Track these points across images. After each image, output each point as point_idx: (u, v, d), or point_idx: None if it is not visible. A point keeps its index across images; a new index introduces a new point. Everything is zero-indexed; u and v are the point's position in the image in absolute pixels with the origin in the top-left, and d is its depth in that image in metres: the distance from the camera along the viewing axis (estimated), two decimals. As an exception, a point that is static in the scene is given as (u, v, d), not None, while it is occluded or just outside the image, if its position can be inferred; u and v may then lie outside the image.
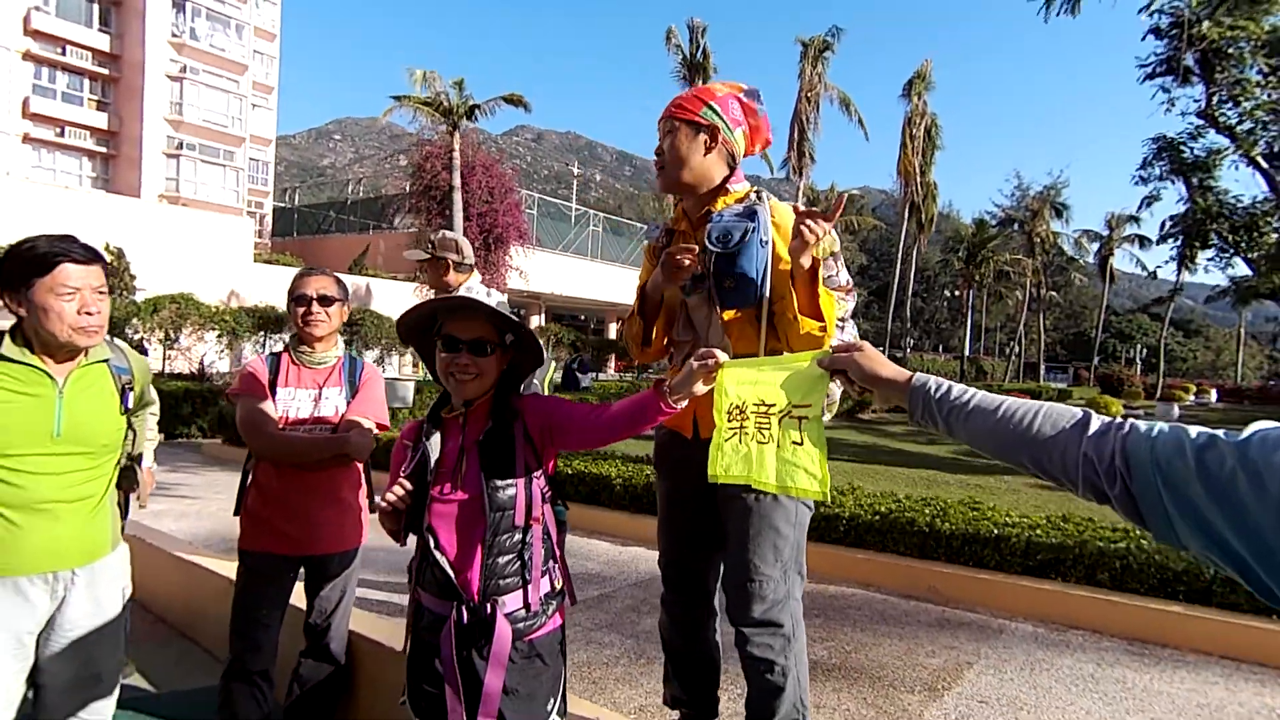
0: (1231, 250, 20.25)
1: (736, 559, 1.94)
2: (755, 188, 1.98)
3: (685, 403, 1.51)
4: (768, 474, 1.41)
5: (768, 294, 1.82)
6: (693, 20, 22.63)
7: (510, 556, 1.57)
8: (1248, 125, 15.40)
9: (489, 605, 1.54)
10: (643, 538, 4.92)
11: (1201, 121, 17.44)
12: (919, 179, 30.95)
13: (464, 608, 1.54)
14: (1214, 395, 33.66)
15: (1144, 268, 38.75)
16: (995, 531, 3.98)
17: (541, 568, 1.61)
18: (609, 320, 33.74)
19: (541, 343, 1.73)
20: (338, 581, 2.33)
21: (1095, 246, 42.87)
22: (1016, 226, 39.96)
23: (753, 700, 1.96)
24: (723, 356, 1.45)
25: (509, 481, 1.58)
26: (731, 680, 2.43)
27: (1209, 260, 23.26)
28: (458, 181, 18.90)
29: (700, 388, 1.47)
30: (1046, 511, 4.57)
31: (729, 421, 1.46)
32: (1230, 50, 15.45)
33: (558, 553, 1.69)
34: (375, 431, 2.34)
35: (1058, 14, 9.02)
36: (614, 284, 29.31)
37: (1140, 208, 26.56)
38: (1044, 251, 39.53)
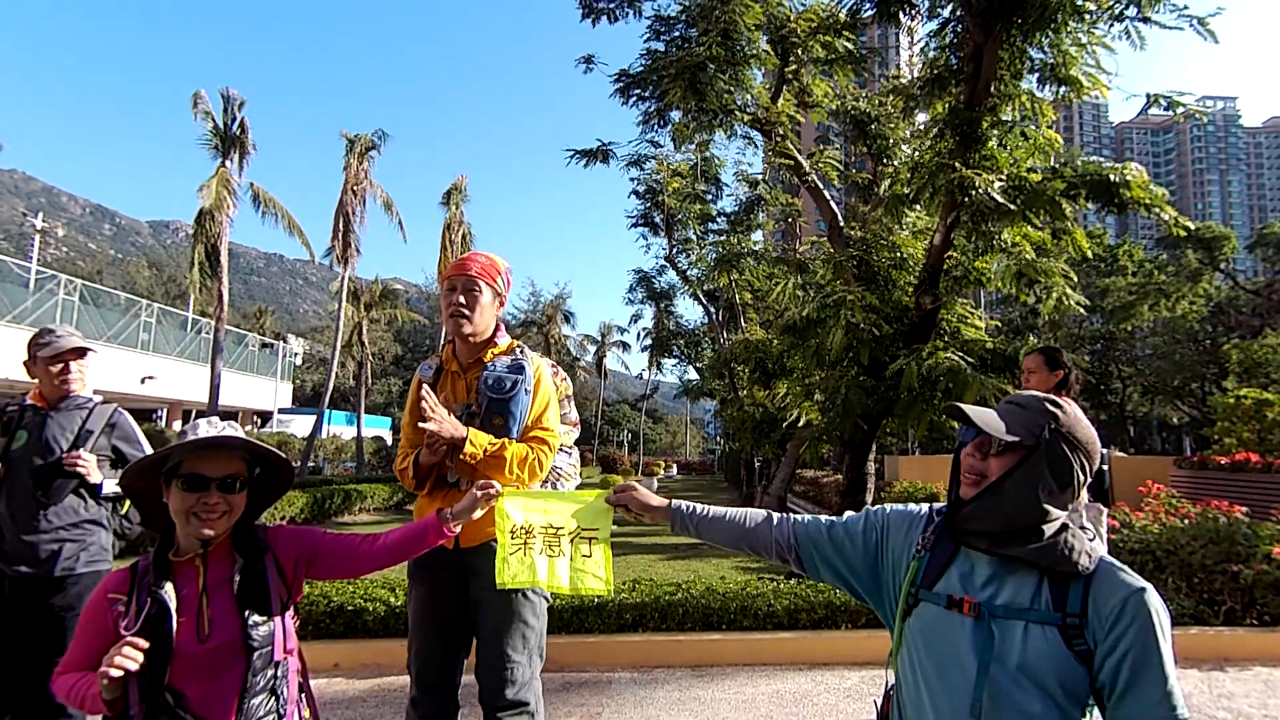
0: (686, 359, 27.32)
1: (491, 649, 2.29)
2: (518, 343, 2.50)
3: (460, 526, 1.84)
4: (559, 579, 1.87)
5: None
6: (229, 90, 20.77)
7: (264, 695, 1.57)
8: (695, 271, 21.17)
9: None
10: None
11: (666, 263, 23.33)
12: (457, 280, 33.36)
13: None
14: (675, 470, 43.62)
15: (628, 368, 48.52)
16: (595, 600, 4.86)
17: (296, 700, 1.65)
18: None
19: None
20: None
21: (593, 349, 51.85)
22: (535, 329, 45.87)
23: None
24: (499, 487, 1.87)
25: (265, 618, 1.58)
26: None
27: (672, 365, 30.81)
28: None
29: (478, 513, 1.85)
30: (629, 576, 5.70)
31: (512, 539, 1.89)
32: (680, 217, 21.29)
33: (306, 683, 1.73)
34: None
35: (580, 165, 11.46)
36: (104, 368, 23.49)
37: (630, 323, 33.29)
38: (557, 351, 46.09)
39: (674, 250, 22.29)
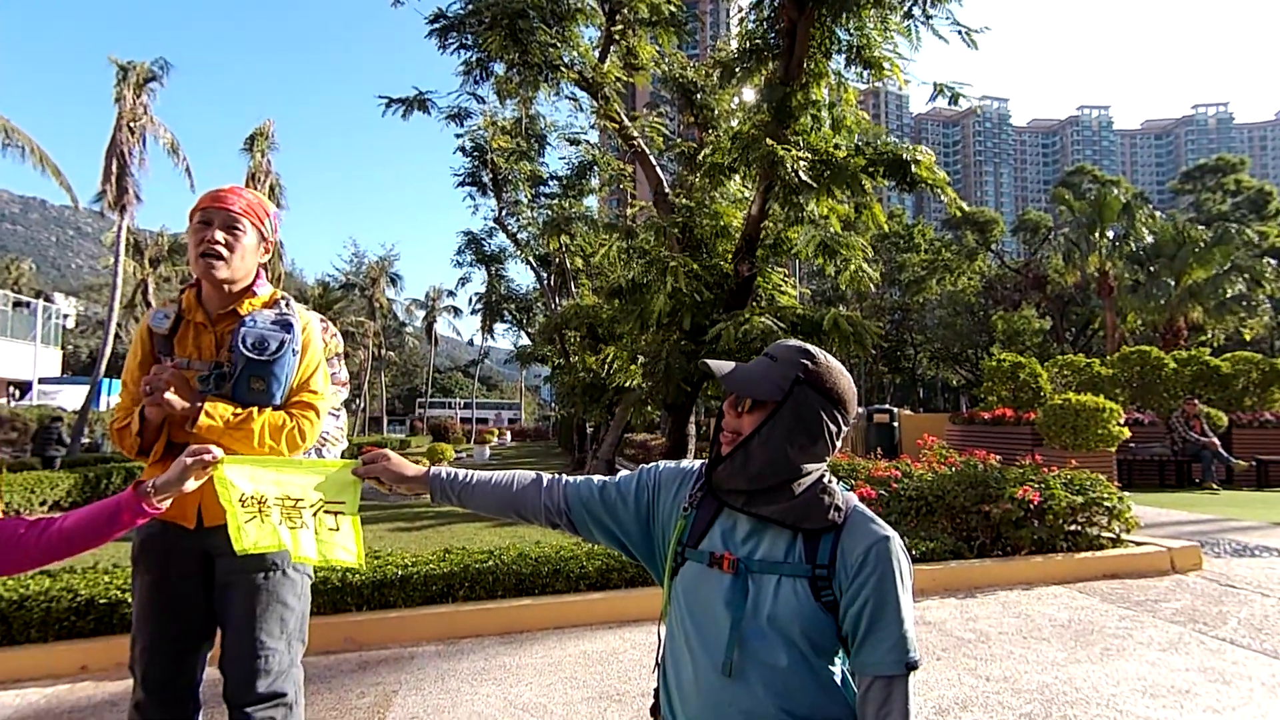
0: (518, 325, 26.84)
1: (241, 637, 1.99)
2: (282, 295, 2.15)
3: (169, 502, 1.55)
4: (304, 550, 1.62)
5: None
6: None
7: None
8: (525, 235, 20.70)
9: None
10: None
11: (496, 226, 22.59)
12: (263, 236, 30.24)
13: None
14: (509, 437, 43.17)
15: (459, 333, 46.98)
16: (399, 573, 4.58)
17: None
18: None
19: None
20: None
21: (422, 313, 49.53)
22: (359, 291, 42.91)
23: None
24: (218, 452, 1.58)
25: None
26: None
27: (504, 330, 30.14)
28: None
29: (192, 484, 1.54)
30: (434, 547, 5.44)
31: (243, 507, 1.58)
32: (510, 178, 20.65)
33: None
34: None
35: (396, 115, 10.59)
36: None
37: (457, 286, 32.15)
38: (383, 315, 43.53)
39: (504, 212, 21.63)
